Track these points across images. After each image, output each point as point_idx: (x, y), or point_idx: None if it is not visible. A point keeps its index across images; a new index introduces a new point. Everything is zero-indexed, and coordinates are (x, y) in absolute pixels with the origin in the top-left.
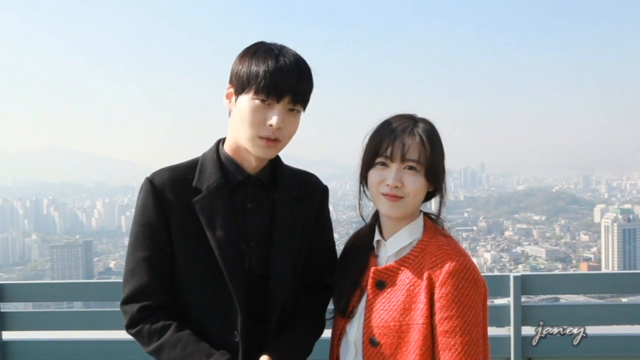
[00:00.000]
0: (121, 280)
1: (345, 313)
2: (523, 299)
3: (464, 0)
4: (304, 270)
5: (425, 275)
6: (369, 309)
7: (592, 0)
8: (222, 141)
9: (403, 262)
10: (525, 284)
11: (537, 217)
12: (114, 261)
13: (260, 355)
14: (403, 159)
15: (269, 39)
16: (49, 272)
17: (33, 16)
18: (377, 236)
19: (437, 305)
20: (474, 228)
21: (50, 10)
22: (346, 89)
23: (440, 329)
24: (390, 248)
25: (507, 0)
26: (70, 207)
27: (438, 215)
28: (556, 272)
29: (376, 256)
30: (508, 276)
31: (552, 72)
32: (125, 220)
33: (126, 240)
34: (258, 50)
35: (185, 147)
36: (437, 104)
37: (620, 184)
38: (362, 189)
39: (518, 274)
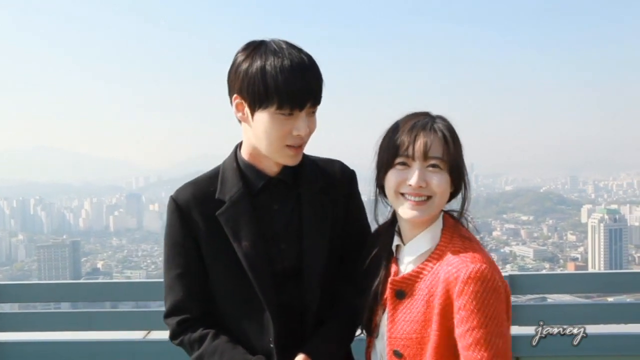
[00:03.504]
0: (109, 281)
1: (369, 331)
2: (511, 298)
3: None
4: (343, 257)
5: (441, 283)
6: (391, 320)
7: (589, 1)
8: (239, 146)
9: (421, 270)
10: (513, 284)
11: (525, 217)
12: (101, 261)
13: (296, 355)
14: (426, 157)
15: (266, 37)
16: (35, 273)
17: (22, 16)
18: (396, 240)
19: (457, 317)
20: None
21: (39, 10)
22: (343, 89)
23: (462, 343)
24: (409, 255)
25: (500, 0)
26: (57, 207)
27: (461, 213)
28: (544, 271)
29: (397, 261)
30: None
31: (542, 74)
32: (114, 220)
33: (114, 240)
34: (266, 55)
35: (177, 147)
36: (428, 103)
37: (607, 185)
38: (377, 194)
39: (506, 274)
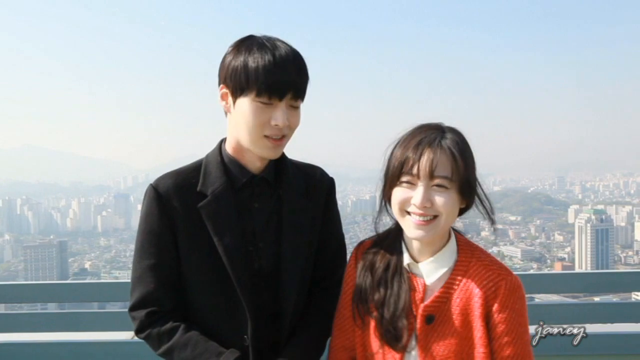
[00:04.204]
0: (97, 281)
1: (399, 346)
2: None
3: (446, 1)
4: (316, 263)
5: (477, 299)
6: (423, 347)
7: (578, 3)
8: (224, 141)
9: (448, 288)
10: None
11: (513, 218)
12: (89, 262)
13: (273, 356)
14: (432, 176)
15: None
16: (22, 273)
17: (8, 18)
18: (407, 258)
19: (497, 329)
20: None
21: (25, 12)
22: (330, 89)
23: (501, 354)
24: (429, 276)
25: (489, 3)
26: (44, 207)
27: (493, 224)
28: (531, 272)
29: (414, 276)
30: None
31: (530, 76)
32: (101, 220)
33: (102, 240)
34: (251, 47)
35: (166, 147)
36: (417, 103)
37: (594, 185)
38: (383, 205)
39: None
